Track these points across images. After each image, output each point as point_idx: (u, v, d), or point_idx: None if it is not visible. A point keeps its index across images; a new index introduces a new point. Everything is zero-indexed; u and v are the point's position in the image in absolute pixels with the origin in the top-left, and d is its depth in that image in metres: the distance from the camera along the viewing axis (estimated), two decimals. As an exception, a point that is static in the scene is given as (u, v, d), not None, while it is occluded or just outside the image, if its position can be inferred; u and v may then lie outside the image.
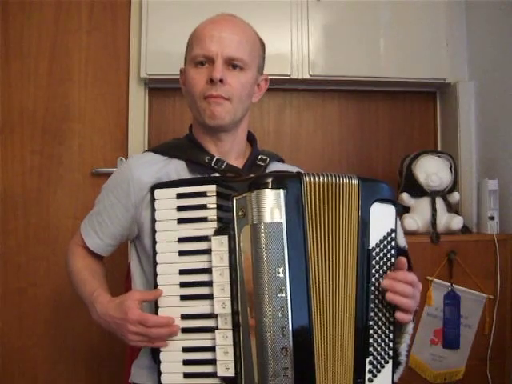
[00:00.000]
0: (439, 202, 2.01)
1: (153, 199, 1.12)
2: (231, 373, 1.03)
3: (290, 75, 2.18)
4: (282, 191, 1.01)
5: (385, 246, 1.09)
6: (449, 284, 1.88)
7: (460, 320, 1.89)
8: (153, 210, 1.12)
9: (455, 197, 2.06)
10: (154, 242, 1.11)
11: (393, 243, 1.10)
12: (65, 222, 2.16)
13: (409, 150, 2.20)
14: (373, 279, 1.07)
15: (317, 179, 1.05)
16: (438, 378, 1.90)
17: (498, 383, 1.93)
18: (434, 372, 1.90)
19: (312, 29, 2.19)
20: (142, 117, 2.22)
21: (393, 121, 2.40)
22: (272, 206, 1.00)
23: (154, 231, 1.11)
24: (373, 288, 1.07)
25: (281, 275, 0.98)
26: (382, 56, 2.22)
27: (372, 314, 1.07)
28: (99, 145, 2.21)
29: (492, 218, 2.03)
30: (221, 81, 1.19)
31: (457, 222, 1.98)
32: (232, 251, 1.03)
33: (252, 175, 1.16)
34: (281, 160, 1.44)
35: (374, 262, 1.07)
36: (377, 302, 1.07)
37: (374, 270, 1.07)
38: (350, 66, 2.20)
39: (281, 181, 1.03)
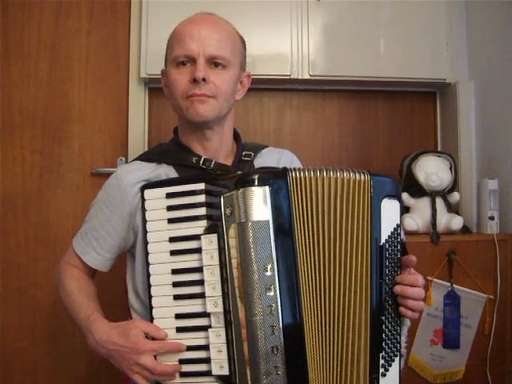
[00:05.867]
0: (439, 202, 2.01)
1: (143, 200, 1.13)
2: (225, 371, 1.04)
3: (290, 75, 2.17)
4: (267, 188, 1.01)
5: (392, 242, 1.08)
6: (449, 284, 1.88)
7: (460, 320, 1.89)
8: (143, 210, 1.13)
9: (455, 197, 2.06)
10: (146, 243, 1.11)
11: (399, 238, 1.09)
12: (65, 222, 2.16)
13: (409, 150, 2.20)
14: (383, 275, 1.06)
15: (303, 174, 1.04)
16: (438, 378, 1.90)
17: (498, 383, 1.92)
18: (434, 372, 1.90)
19: (312, 29, 2.19)
20: (142, 117, 2.22)
21: (393, 121, 2.39)
22: (258, 203, 1.00)
23: (145, 232, 1.12)
24: (383, 283, 1.06)
25: (269, 273, 0.98)
26: (382, 56, 2.21)
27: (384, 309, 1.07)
28: (99, 145, 2.21)
29: (492, 218, 2.03)
30: (204, 80, 1.19)
31: (457, 222, 1.98)
32: (221, 250, 1.04)
33: (239, 172, 1.16)
34: (265, 147, 1.42)
35: (385, 258, 1.06)
36: (387, 297, 1.07)
37: (385, 266, 1.06)
38: (349, 66, 2.20)
39: (267, 178, 1.02)
